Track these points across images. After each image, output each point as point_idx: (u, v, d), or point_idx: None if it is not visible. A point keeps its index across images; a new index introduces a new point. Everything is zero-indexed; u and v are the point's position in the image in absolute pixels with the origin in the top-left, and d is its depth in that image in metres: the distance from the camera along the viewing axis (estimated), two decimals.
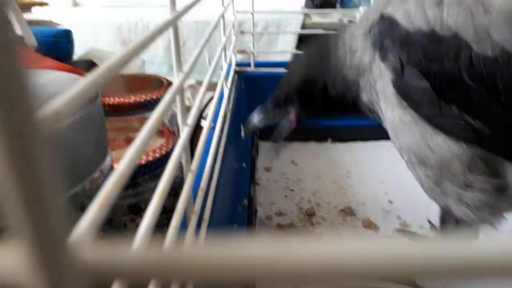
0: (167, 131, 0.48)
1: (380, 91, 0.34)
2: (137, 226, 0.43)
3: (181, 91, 0.22)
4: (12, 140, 0.06)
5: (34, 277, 0.07)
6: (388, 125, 0.34)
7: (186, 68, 0.23)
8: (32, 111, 0.07)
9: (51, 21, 1.21)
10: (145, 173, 0.43)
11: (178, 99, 0.22)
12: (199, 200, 0.29)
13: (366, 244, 0.07)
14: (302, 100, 0.42)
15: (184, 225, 0.24)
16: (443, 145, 0.30)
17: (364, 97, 0.37)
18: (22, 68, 0.06)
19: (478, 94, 0.28)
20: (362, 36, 0.36)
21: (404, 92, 0.31)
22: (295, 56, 0.44)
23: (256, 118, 0.46)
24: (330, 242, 0.07)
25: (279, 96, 0.44)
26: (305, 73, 0.41)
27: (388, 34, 0.32)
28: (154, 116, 0.17)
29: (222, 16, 0.43)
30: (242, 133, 0.49)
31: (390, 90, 0.32)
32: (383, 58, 0.32)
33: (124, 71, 0.92)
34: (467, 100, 0.29)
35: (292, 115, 0.44)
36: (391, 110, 0.33)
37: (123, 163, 0.14)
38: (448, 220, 0.36)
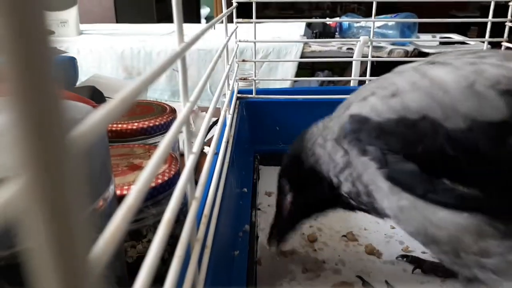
0: (170, 157, 0.49)
1: (369, 183, 0.34)
2: (138, 252, 0.43)
3: (187, 120, 0.23)
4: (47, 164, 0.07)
5: None
6: (389, 213, 0.34)
7: (192, 97, 0.24)
8: (65, 135, 0.07)
9: (56, 48, 1.23)
10: (148, 199, 0.43)
11: (184, 127, 0.23)
12: (202, 227, 0.29)
13: None
14: (292, 180, 0.43)
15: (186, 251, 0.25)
16: (447, 220, 0.30)
17: (345, 189, 0.38)
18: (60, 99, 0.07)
19: (465, 163, 0.29)
20: (330, 142, 0.38)
21: (393, 178, 0.32)
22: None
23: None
24: None
25: (278, 186, 0.45)
26: (289, 152, 0.45)
27: (361, 129, 0.34)
28: (162, 146, 0.18)
29: (226, 45, 0.44)
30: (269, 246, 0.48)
31: (379, 180, 0.33)
32: (363, 152, 0.34)
33: None
34: (456, 171, 0.30)
35: (288, 199, 0.44)
36: (386, 200, 0.33)
37: (132, 195, 0.14)
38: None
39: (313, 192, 0.41)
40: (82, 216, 0.07)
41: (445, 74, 0.31)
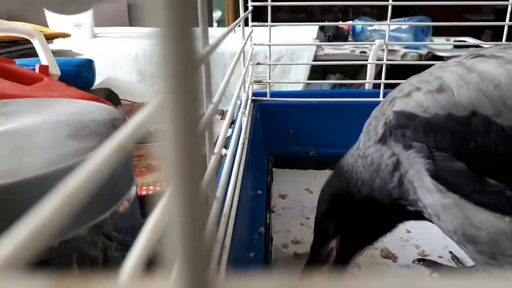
0: None
1: (414, 179, 0.33)
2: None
3: (211, 122, 0.23)
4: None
5: None
6: (430, 211, 0.34)
7: (214, 99, 0.24)
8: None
9: (71, 51, 1.25)
10: None
11: (207, 129, 0.23)
12: (222, 227, 0.30)
13: None
14: (338, 221, 0.40)
15: None
16: (487, 223, 0.30)
17: (399, 196, 0.36)
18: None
19: None
20: (373, 147, 0.36)
21: (439, 176, 0.31)
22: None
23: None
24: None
25: (316, 232, 0.42)
26: (329, 193, 0.41)
27: (408, 125, 0.32)
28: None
29: (243, 49, 0.45)
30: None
31: (424, 177, 0.32)
32: (408, 147, 0.32)
33: (142, 99, 0.94)
34: (507, 171, 0.29)
35: (331, 245, 0.41)
36: (430, 196, 0.32)
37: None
38: None
39: (368, 223, 0.39)
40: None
41: (494, 68, 0.30)
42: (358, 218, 0.39)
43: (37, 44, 0.68)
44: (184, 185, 0.07)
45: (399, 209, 0.36)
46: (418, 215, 0.36)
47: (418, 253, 0.48)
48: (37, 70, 0.65)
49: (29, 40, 0.72)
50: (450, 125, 0.30)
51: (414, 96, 0.32)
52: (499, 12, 2.84)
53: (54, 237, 0.24)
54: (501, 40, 0.67)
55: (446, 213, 0.32)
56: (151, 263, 0.09)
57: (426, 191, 0.32)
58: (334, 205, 0.40)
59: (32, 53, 0.75)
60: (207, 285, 0.07)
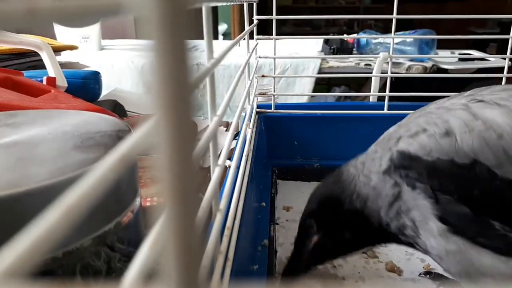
0: None
1: (417, 219, 0.33)
2: None
3: (215, 134, 0.23)
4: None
5: None
6: (433, 252, 0.34)
7: (219, 111, 0.24)
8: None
9: (78, 63, 1.27)
10: None
11: (211, 141, 0.24)
12: (225, 239, 0.30)
13: None
14: (322, 222, 0.41)
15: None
16: (492, 268, 0.30)
17: (394, 225, 0.36)
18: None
19: None
20: (376, 174, 0.36)
21: (444, 219, 0.31)
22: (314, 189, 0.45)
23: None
24: None
25: (300, 227, 0.44)
26: (321, 194, 0.42)
27: (411, 167, 0.33)
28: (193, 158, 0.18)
29: (248, 61, 0.45)
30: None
31: (430, 220, 0.32)
32: (412, 187, 0.33)
33: (148, 111, 0.95)
34: (510, 215, 0.29)
35: (313, 241, 0.42)
36: (433, 239, 0.32)
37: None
38: None
39: (350, 234, 0.40)
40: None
41: (499, 117, 0.30)
42: (342, 226, 0.40)
43: (44, 56, 0.69)
44: (177, 211, 0.08)
45: (386, 233, 0.37)
46: (407, 244, 0.37)
47: (423, 267, 0.47)
48: (44, 82, 0.66)
49: (37, 53, 0.73)
50: (453, 171, 0.30)
51: (419, 138, 0.33)
52: (504, 26, 2.85)
53: (57, 247, 0.24)
54: (506, 53, 0.67)
55: (449, 258, 0.32)
56: (153, 275, 0.09)
57: (430, 234, 0.32)
58: (322, 206, 0.41)
59: (40, 65, 0.76)
60: None
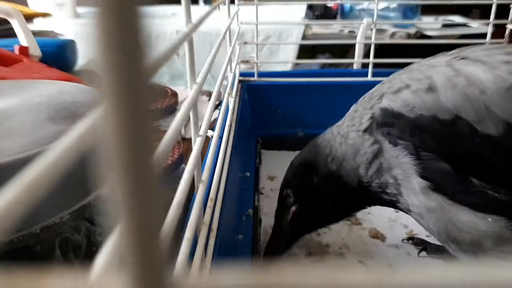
0: None
1: (399, 177, 0.33)
2: None
3: (195, 102, 0.22)
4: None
5: None
6: (414, 209, 0.34)
7: (198, 79, 0.23)
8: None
9: (53, 31, 1.21)
10: None
11: (191, 111, 0.23)
12: (208, 210, 0.29)
13: None
14: (298, 191, 0.41)
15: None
16: (470, 225, 0.30)
17: (376, 182, 0.36)
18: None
19: (502, 166, 0.29)
20: (356, 133, 0.36)
21: (425, 176, 0.31)
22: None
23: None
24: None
25: (279, 198, 0.43)
26: (296, 162, 0.42)
27: (394, 124, 0.33)
28: (172, 128, 0.17)
29: (229, 27, 0.43)
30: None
31: (412, 177, 0.32)
32: (394, 144, 0.33)
33: None
34: (491, 173, 0.29)
35: (292, 211, 0.42)
36: (415, 197, 0.33)
37: None
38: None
39: (329, 202, 0.40)
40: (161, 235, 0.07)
41: (482, 73, 0.30)
42: (319, 194, 0.40)
43: (16, 24, 0.65)
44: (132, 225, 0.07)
45: (367, 194, 0.37)
46: (389, 203, 0.37)
47: (406, 233, 0.48)
48: (16, 51, 0.63)
49: (7, 20, 0.69)
50: (435, 127, 0.30)
51: (402, 95, 0.33)
52: None
53: (16, 226, 0.23)
54: (489, 19, 0.67)
55: (430, 215, 0.32)
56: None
57: (412, 191, 0.33)
58: (297, 175, 0.41)
59: (12, 33, 0.73)
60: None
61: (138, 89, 0.06)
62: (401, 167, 0.33)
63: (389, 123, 0.33)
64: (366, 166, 0.36)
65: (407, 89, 0.33)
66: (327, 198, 0.40)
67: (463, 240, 0.32)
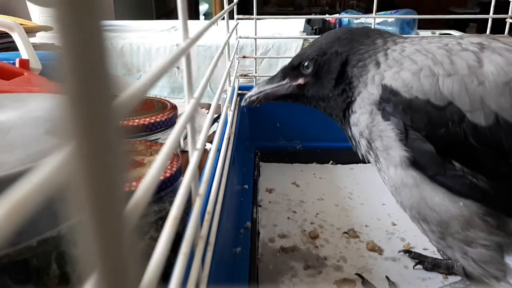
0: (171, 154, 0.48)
1: (381, 148, 0.34)
2: (140, 249, 0.43)
3: (193, 116, 0.23)
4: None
5: None
6: (388, 181, 0.35)
7: (196, 93, 0.24)
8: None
9: (54, 44, 1.22)
10: None
11: (189, 124, 0.23)
12: (206, 224, 0.29)
13: None
14: (320, 70, 0.40)
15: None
16: (441, 206, 0.31)
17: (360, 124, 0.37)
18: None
19: (485, 155, 0.29)
20: (371, 86, 0.36)
21: (407, 152, 0.32)
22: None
23: (252, 91, 0.45)
24: None
25: (293, 62, 0.42)
26: (331, 45, 0.39)
27: (390, 100, 0.33)
28: (169, 142, 0.17)
29: (228, 42, 0.44)
30: (243, 103, 0.47)
31: (393, 150, 0.33)
32: (385, 118, 0.33)
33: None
34: (473, 160, 0.30)
35: (298, 81, 0.42)
36: (393, 169, 0.33)
37: (141, 190, 0.14)
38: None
39: (336, 91, 0.39)
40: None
41: (486, 63, 0.30)
42: (337, 83, 0.39)
43: (16, 38, 0.66)
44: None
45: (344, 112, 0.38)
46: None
47: (403, 246, 0.48)
48: (17, 64, 0.63)
49: (9, 34, 0.70)
50: (427, 109, 0.31)
51: (404, 73, 0.33)
52: (484, 6, 2.88)
53: (12, 239, 0.23)
54: (485, 33, 0.68)
55: (405, 190, 0.33)
56: None
57: (390, 163, 0.34)
58: (328, 57, 0.39)
59: (13, 47, 0.73)
60: None
61: (108, 140, 0.06)
62: (387, 139, 0.33)
63: (386, 99, 0.33)
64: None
65: (413, 64, 0.33)
66: (339, 92, 0.39)
67: (431, 220, 0.32)
